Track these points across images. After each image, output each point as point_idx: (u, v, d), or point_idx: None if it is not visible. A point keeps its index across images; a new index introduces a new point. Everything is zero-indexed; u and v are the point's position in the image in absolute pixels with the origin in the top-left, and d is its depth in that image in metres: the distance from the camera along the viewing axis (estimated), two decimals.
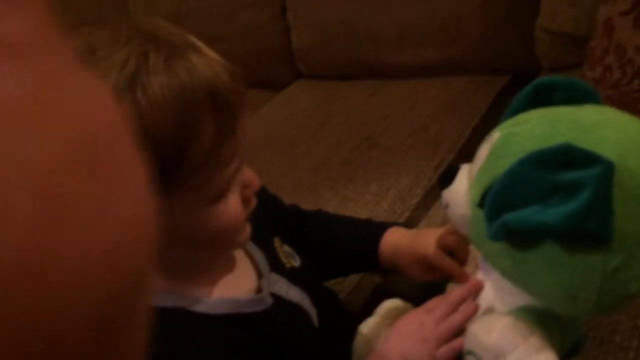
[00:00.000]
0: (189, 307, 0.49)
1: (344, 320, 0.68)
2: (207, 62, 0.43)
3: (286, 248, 0.62)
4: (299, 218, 0.68)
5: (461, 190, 0.50)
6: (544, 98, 0.51)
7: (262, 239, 0.59)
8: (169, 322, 0.48)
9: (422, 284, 0.64)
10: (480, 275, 0.53)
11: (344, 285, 0.79)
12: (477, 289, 0.52)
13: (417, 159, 1.05)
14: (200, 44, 0.45)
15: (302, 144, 1.18)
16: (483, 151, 0.50)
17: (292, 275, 0.58)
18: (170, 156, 0.41)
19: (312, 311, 0.59)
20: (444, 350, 0.52)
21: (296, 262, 0.61)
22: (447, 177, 0.52)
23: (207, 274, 0.52)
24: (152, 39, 0.42)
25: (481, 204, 0.46)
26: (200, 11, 1.39)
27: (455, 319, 0.52)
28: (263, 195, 0.64)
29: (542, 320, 0.48)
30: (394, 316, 0.58)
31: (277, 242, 0.61)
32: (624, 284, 0.43)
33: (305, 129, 1.24)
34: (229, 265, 0.55)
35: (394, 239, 0.64)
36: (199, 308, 0.50)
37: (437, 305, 0.54)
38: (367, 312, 0.74)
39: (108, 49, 0.41)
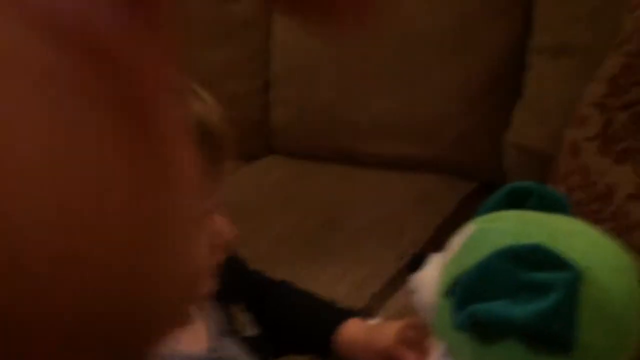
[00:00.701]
0: None
1: None
2: (202, 103, 0.45)
3: (247, 316, 0.60)
4: (263, 286, 0.66)
5: (430, 278, 0.50)
6: (517, 201, 0.53)
7: (222, 301, 0.57)
8: None
9: None
10: None
11: None
12: None
13: (380, 247, 1.06)
14: (199, 89, 0.46)
15: (265, 217, 1.17)
16: (456, 241, 0.51)
17: (246, 344, 0.56)
18: None
19: None
20: None
21: (252, 331, 0.59)
22: (416, 263, 0.52)
23: None
24: None
25: (449, 293, 0.46)
26: (188, 73, 1.41)
27: None
28: (233, 258, 0.63)
29: None
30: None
31: (237, 308, 0.60)
32: None
33: (271, 202, 1.24)
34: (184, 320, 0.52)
35: (353, 331, 0.63)
36: None
37: None
38: None
39: None
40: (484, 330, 0.43)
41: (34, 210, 0.11)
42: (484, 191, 1.22)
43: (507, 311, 0.42)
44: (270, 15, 1.41)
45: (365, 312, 0.83)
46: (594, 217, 0.79)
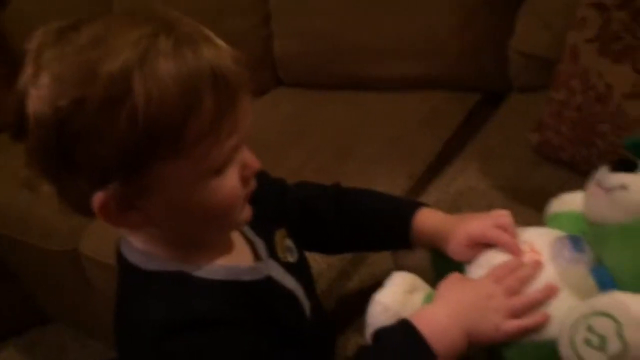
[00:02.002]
0: (189, 272, 0.52)
1: (328, 323, 0.70)
2: (214, 48, 0.47)
3: (287, 242, 0.64)
4: (309, 199, 0.69)
5: None
6: None
7: (263, 229, 0.61)
8: (170, 283, 0.51)
9: (432, 263, 0.66)
10: (537, 257, 0.55)
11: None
12: (540, 270, 0.54)
13: (392, 169, 1.08)
14: (212, 35, 0.48)
15: (278, 150, 1.20)
16: None
17: (286, 268, 0.60)
18: (173, 126, 0.44)
19: (306, 303, 0.60)
20: (514, 324, 0.52)
21: (292, 257, 0.63)
22: (625, 164, 0.52)
23: (207, 250, 0.54)
24: (166, 24, 0.46)
25: None
26: (186, 15, 1.41)
27: (537, 296, 0.53)
28: (269, 187, 0.67)
29: None
30: (409, 286, 0.60)
31: (279, 234, 0.63)
32: None
33: (283, 135, 1.26)
34: (229, 245, 0.57)
35: (431, 220, 0.65)
36: (199, 273, 0.52)
37: (503, 277, 0.55)
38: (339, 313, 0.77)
39: (125, 29, 0.45)
40: None
41: None
42: (490, 101, 1.23)
43: None
44: None
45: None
46: (594, 119, 0.81)
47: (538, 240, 0.58)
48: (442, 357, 0.51)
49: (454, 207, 0.91)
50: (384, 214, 0.68)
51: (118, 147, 0.44)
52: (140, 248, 0.53)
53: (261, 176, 0.68)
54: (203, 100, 0.45)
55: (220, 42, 0.48)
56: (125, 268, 0.54)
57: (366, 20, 1.27)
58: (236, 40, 0.52)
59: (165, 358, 0.48)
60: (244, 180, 0.51)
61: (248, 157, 0.51)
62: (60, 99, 0.43)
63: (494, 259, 0.58)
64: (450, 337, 0.52)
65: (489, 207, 0.89)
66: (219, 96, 0.45)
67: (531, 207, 0.83)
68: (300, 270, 0.63)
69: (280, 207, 0.67)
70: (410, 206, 0.67)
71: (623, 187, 0.51)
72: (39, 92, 0.44)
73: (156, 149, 0.44)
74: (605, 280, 0.53)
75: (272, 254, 0.60)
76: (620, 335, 0.47)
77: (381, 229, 0.68)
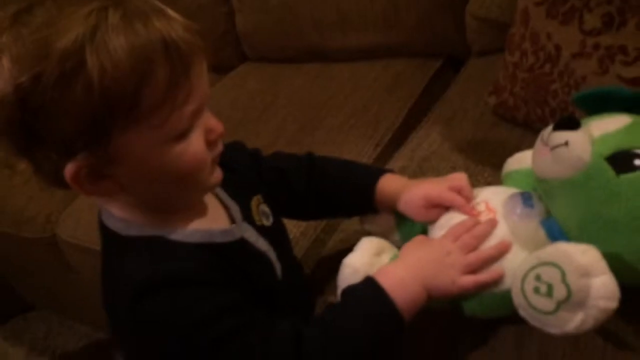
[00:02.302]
0: (166, 236, 0.55)
1: (303, 286, 0.73)
2: (165, 19, 0.49)
3: (263, 207, 0.67)
4: (283, 167, 0.72)
5: (587, 139, 0.54)
6: None
7: (239, 194, 0.64)
8: (147, 246, 0.54)
9: (397, 226, 0.70)
10: (491, 216, 0.59)
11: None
12: (495, 227, 0.58)
13: (358, 137, 1.11)
14: (164, 8, 0.50)
15: (248, 126, 1.22)
16: (612, 122, 0.56)
17: (261, 231, 0.63)
18: (128, 95, 0.47)
19: (277, 265, 0.63)
20: (470, 279, 0.56)
21: (268, 222, 0.66)
22: (567, 122, 0.55)
23: (181, 212, 0.57)
24: (117, 1, 0.48)
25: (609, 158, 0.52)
26: None
27: (490, 252, 0.57)
28: (245, 156, 0.71)
29: None
30: (377, 249, 0.63)
31: (255, 200, 0.66)
32: None
33: (252, 111, 1.28)
34: (203, 208, 0.60)
35: (392, 184, 0.68)
36: (175, 237, 0.55)
37: (459, 235, 0.59)
38: (317, 278, 0.80)
39: (75, 6, 0.47)
40: None
41: None
42: (450, 66, 1.27)
43: None
44: None
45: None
46: (545, 79, 0.84)
47: (493, 199, 0.62)
48: (401, 307, 0.55)
49: (420, 171, 0.94)
50: (350, 181, 0.71)
51: (78, 119, 0.46)
52: (119, 215, 0.56)
53: (237, 146, 0.72)
54: (155, 69, 0.47)
55: (173, 13, 0.50)
56: (106, 236, 0.57)
57: None
58: (198, 16, 0.54)
59: (144, 314, 0.51)
60: (210, 144, 0.54)
61: (212, 121, 0.54)
62: (19, 77, 0.46)
63: (452, 219, 0.62)
64: (408, 289, 0.56)
65: (452, 169, 0.93)
66: (171, 65, 0.48)
67: (491, 166, 0.87)
68: (274, 233, 0.66)
69: (256, 175, 0.70)
70: (374, 173, 0.71)
71: (565, 144, 0.55)
72: (1, 76, 0.46)
73: (114, 118, 0.47)
74: (555, 232, 0.58)
75: (247, 217, 0.63)
76: (564, 282, 0.51)
77: (348, 196, 0.71)
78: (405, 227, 0.70)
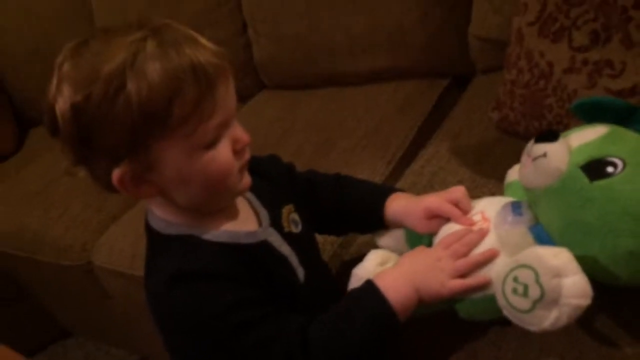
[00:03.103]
0: (199, 235, 0.63)
1: (331, 290, 0.78)
2: (195, 47, 0.57)
3: (294, 216, 0.73)
4: (314, 182, 0.80)
5: (565, 150, 0.59)
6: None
7: (271, 201, 0.71)
8: (182, 244, 0.62)
9: (406, 240, 0.75)
10: (486, 225, 0.64)
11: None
12: (485, 236, 0.63)
13: (371, 157, 1.17)
14: (197, 36, 0.59)
15: (268, 150, 1.26)
16: (589, 132, 0.60)
17: (287, 237, 0.69)
18: (161, 111, 0.55)
19: (299, 269, 0.69)
20: (458, 282, 0.62)
21: (297, 229, 0.72)
22: (548, 135, 0.60)
23: (214, 215, 0.64)
24: (154, 30, 0.57)
25: (584, 167, 0.56)
26: None
27: (478, 258, 0.62)
28: (277, 165, 0.79)
29: None
30: (382, 259, 0.69)
31: (286, 208, 0.72)
32: None
33: (271, 136, 1.35)
34: (234, 212, 0.67)
35: (402, 199, 0.75)
36: (206, 237, 0.63)
37: (451, 244, 0.64)
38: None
39: (120, 37, 0.57)
40: None
41: None
42: (457, 84, 1.32)
43: None
44: None
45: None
46: (540, 94, 0.89)
47: (489, 208, 0.68)
48: (394, 305, 0.61)
49: (429, 186, 1.00)
50: (365, 200, 0.78)
51: (120, 130, 0.55)
52: (160, 216, 0.64)
53: (274, 158, 0.80)
54: (184, 88, 0.55)
55: (204, 41, 0.59)
56: (150, 233, 0.66)
57: (335, 19, 1.35)
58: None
59: (175, 300, 0.59)
60: (237, 153, 0.61)
61: (238, 132, 0.61)
62: (74, 97, 0.55)
63: (449, 230, 0.68)
64: (401, 290, 0.62)
65: (459, 182, 0.98)
66: (198, 85, 0.56)
67: (495, 178, 0.92)
68: (301, 240, 0.71)
69: (289, 185, 0.77)
70: (384, 192, 0.78)
71: (544, 155, 0.59)
72: (62, 97, 0.56)
73: (150, 130, 0.55)
74: (542, 236, 0.62)
75: (276, 224, 0.69)
76: (538, 282, 0.55)
77: (362, 213, 0.78)
78: (413, 240, 0.75)
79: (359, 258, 0.72)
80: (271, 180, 0.73)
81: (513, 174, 0.77)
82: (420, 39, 1.28)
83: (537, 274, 0.55)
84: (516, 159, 0.81)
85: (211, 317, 0.58)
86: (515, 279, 0.57)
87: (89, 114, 0.55)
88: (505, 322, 0.60)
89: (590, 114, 0.65)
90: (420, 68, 1.33)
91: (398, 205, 0.75)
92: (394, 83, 1.35)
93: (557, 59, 0.85)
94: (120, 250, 1.22)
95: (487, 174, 0.94)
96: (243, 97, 1.55)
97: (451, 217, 0.68)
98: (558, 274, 0.54)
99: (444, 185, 0.97)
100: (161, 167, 0.58)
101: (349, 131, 1.26)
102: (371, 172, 1.13)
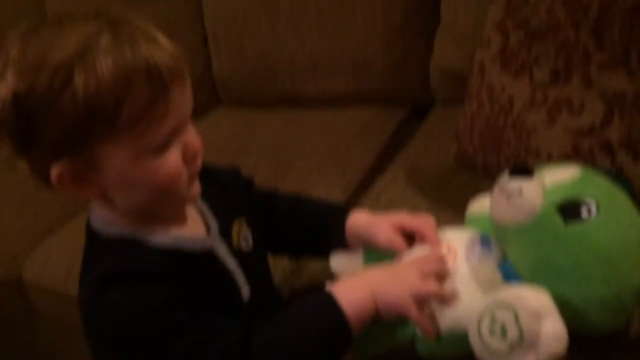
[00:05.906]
0: (141, 238, 0.59)
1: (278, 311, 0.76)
2: (152, 45, 0.54)
3: (244, 231, 0.70)
4: (273, 197, 0.77)
5: (541, 188, 0.58)
6: None
7: (223, 212, 0.68)
8: (122, 245, 0.59)
9: (364, 262, 0.72)
10: (451, 256, 0.62)
11: None
12: (445, 265, 0.62)
13: (328, 181, 1.15)
14: (159, 36, 0.56)
15: None
16: (563, 172, 0.60)
17: (235, 252, 0.66)
18: (108, 110, 0.52)
19: (245, 288, 0.66)
20: (423, 288, 0.58)
21: (246, 244, 0.69)
22: (522, 171, 0.59)
23: (161, 221, 0.61)
24: (111, 23, 0.54)
25: (560, 208, 0.56)
26: None
27: (440, 292, 0.59)
28: (236, 177, 0.76)
29: None
30: (345, 269, 0.67)
31: (237, 221, 0.69)
32: None
33: (224, 155, 1.31)
34: (181, 217, 0.63)
35: (365, 215, 0.73)
36: (150, 240, 0.59)
37: (422, 264, 0.61)
38: None
39: (74, 27, 0.54)
40: None
41: None
42: (417, 115, 1.33)
43: None
44: None
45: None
46: (499, 127, 0.90)
47: (455, 240, 0.66)
48: (346, 308, 0.58)
49: (385, 214, 0.98)
50: (324, 215, 0.76)
51: (63, 126, 0.52)
52: (102, 216, 0.61)
53: (234, 170, 0.77)
54: (135, 89, 0.52)
55: (163, 40, 0.56)
56: (88, 235, 0.62)
57: (299, 40, 1.34)
58: None
59: (107, 298, 0.56)
60: (187, 160, 0.58)
61: (191, 138, 0.58)
62: (17, 85, 0.52)
63: (414, 252, 0.66)
64: (356, 294, 0.60)
65: (415, 211, 0.97)
66: (151, 86, 0.53)
67: (451, 208, 0.91)
68: (249, 258, 0.68)
69: (246, 200, 0.74)
70: (346, 208, 0.76)
71: (519, 192, 0.58)
72: (5, 83, 0.53)
73: (95, 129, 0.52)
74: (510, 274, 0.61)
75: (225, 236, 0.66)
76: (517, 324, 0.53)
77: (321, 229, 0.75)
78: (372, 263, 0.72)
79: (311, 286, 0.70)
80: (226, 191, 0.70)
81: (474, 207, 0.76)
82: (382, 66, 1.29)
83: (516, 315, 0.53)
84: (473, 190, 0.82)
85: (139, 318, 0.55)
86: (493, 319, 0.55)
87: (31, 105, 0.52)
88: None
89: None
90: (381, 95, 1.33)
91: (361, 219, 0.72)
92: (353, 108, 1.35)
93: (518, 93, 0.86)
94: (54, 265, 1.15)
95: (445, 204, 0.94)
96: (197, 112, 1.51)
97: (424, 234, 0.66)
98: (538, 316, 0.53)
99: None
100: (104, 168, 0.55)
101: (306, 154, 1.24)
102: (328, 196, 1.10)
